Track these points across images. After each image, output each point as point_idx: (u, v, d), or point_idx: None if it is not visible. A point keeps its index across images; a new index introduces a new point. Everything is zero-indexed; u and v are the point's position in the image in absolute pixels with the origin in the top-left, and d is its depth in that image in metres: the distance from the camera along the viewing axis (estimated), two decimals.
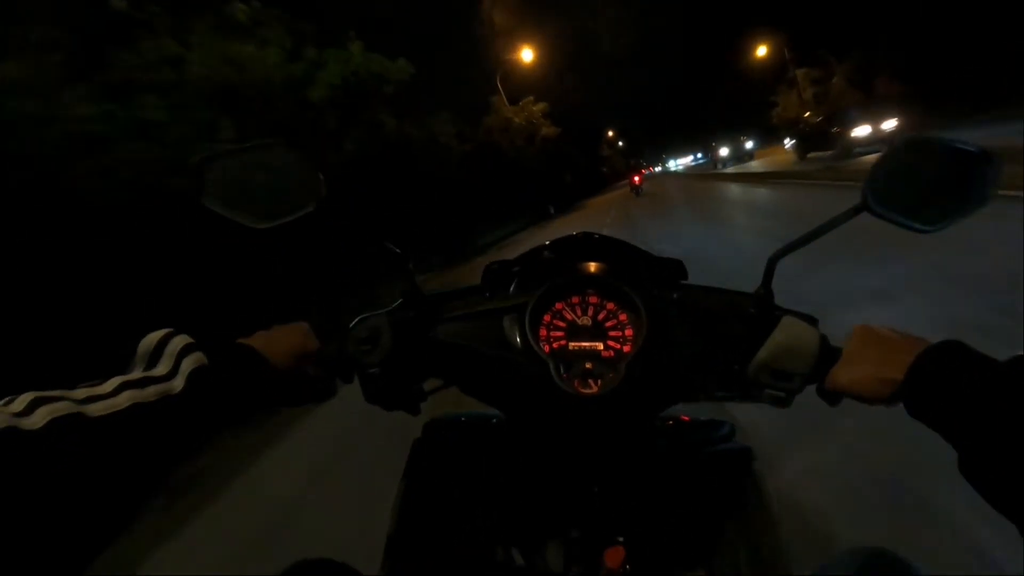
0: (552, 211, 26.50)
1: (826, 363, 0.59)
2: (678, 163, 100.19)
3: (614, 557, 0.59)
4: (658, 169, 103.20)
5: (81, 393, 0.40)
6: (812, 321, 0.62)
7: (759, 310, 0.65)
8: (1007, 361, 0.41)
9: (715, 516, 0.63)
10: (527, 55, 28.57)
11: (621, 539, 0.63)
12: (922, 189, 0.56)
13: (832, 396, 0.60)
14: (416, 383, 0.67)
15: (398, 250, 0.66)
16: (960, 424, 0.41)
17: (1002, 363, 0.41)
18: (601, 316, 0.66)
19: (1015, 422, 0.37)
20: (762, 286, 0.65)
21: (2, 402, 0.37)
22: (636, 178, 22.87)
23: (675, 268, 0.70)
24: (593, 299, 0.67)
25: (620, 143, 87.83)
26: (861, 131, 14.50)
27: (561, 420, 0.65)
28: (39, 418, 0.36)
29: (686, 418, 0.72)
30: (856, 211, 0.58)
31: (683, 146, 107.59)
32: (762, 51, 31.90)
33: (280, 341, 0.57)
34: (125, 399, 0.41)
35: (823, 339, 0.61)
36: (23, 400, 0.37)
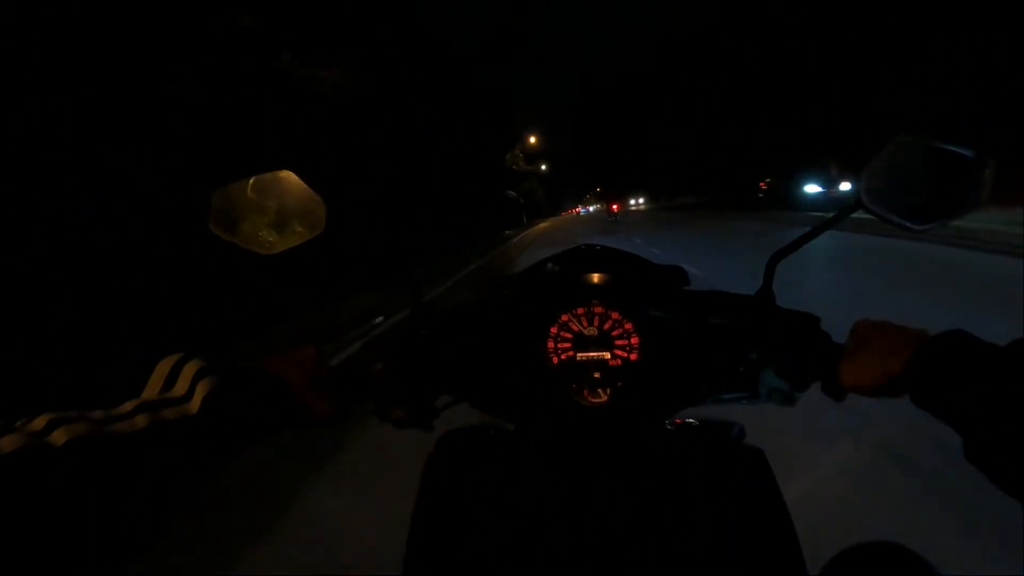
0: None
1: (829, 360, 0.61)
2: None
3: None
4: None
5: (99, 414, 0.40)
6: (814, 320, 0.64)
7: (761, 312, 0.67)
8: (1008, 345, 0.43)
9: (731, 517, 0.64)
10: None
11: (637, 548, 0.62)
12: (915, 189, 0.58)
13: (837, 392, 0.62)
14: (428, 400, 0.67)
15: (404, 267, 0.68)
16: (964, 410, 0.42)
17: (1003, 348, 0.43)
18: (607, 326, 0.67)
19: (1018, 404, 0.39)
20: (763, 288, 0.67)
21: (19, 422, 0.37)
22: (614, 207, 29.10)
23: (677, 275, 0.71)
24: (598, 309, 0.68)
25: (544, 167, 58.74)
26: None
27: (572, 430, 0.66)
28: (58, 438, 0.36)
29: (695, 422, 0.73)
30: (851, 209, 0.60)
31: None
32: None
33: (291, 364, 0.58)
34: (143, 420, 0.42)
35: (825, 336, 0.63)
36: (40, 421, 0.37)
